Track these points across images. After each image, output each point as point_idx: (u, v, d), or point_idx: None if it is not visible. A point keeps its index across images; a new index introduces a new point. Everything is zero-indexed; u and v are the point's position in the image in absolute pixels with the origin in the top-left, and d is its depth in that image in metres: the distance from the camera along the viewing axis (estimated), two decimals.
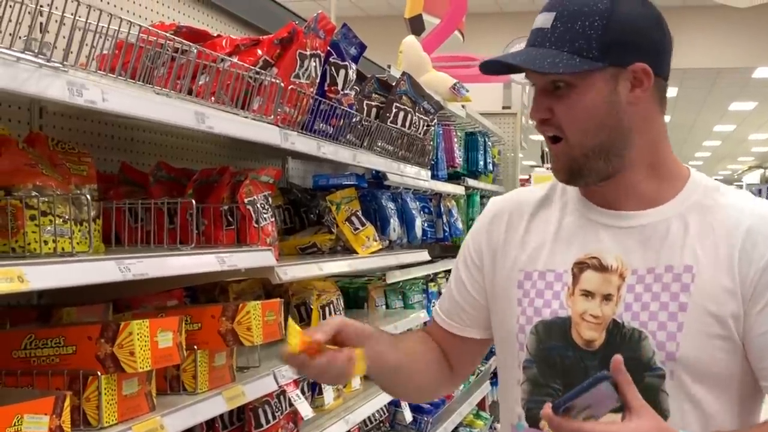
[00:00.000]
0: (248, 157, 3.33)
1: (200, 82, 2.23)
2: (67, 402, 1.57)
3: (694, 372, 1.52)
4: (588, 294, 1.60)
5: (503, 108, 7.35)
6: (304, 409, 2.70)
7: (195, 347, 2.13)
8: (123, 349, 1.79)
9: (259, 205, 2.48)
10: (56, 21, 1.60)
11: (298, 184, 3.72)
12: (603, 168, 1.57)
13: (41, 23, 1.59)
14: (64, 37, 1.64)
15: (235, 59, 2.36)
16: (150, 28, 1.96)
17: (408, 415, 4.00)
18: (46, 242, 1.68)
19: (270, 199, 2.57)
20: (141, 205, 2.18)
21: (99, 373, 1.75)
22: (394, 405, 3.91)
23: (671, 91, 18.60)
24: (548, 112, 1.56)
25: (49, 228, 1.69)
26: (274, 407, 2.60)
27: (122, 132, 2.57)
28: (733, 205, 1.59)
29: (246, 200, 2.41)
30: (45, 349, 1.78)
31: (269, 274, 2.50)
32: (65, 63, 1.57)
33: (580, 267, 1.62)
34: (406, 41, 4.66)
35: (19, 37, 1.52)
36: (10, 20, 1.54)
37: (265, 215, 2.51)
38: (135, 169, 2.46)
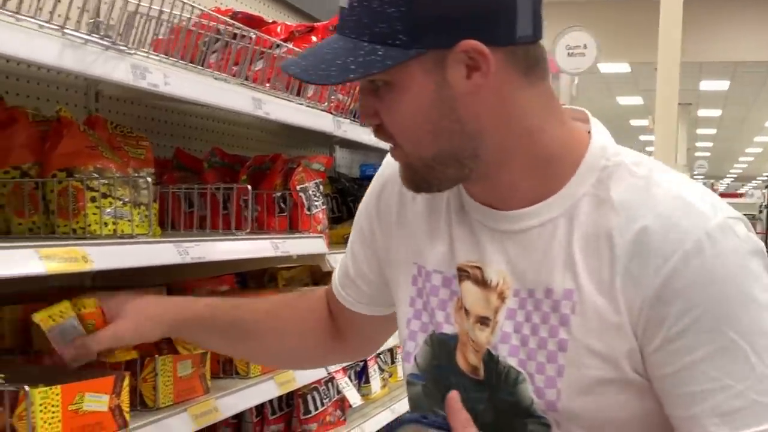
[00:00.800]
0: (297, 144, 3.37)
1: (256, 68, 2.26)
2: (126, 382, 1.60)
3: (583, 423, 1.20)
4: (467, 312, 1.28)
5: None
6: (353, 396, 2.73)
7: None
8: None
9: (310, 193, 2.50)
10: (115, 5, 1.64)
11: (345, 173, 3.75)
12: (455, 174, 1.23)
13: (107, 5, 1.62)
14: (124, 18, 1.68)
15: (290, 45, 2.39)
16: (210, 12, 2.00)
17: None
18: (106, 224, 1.72)
19: (321, 186, 2.60)
20: (197, 191, 2.22)
21: (155, 355, 1.79)
22: None
23: (723, 85, 18.37)
24: (375, 116, 1.20)
25: (109, 210, 1.73)
26: (322, 394, 2.63)
27: (176, 118, 2.62)
28: (625, 200, 1.19)
29: (298, 187, 2.44)
30: None
31: (320, 261, 2.53)
32: (130, 46, 1.60)
33: (460, 275, 1.29)
34: None
35: (77, 22, 1.55)
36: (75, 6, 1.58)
37: (316, 203, 2.53)
38: (189, 155, 2.50)
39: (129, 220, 1.74)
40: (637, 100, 20.33)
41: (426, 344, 1.32)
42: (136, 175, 1.76)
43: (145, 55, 1.75)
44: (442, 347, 1.30)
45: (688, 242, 1.13)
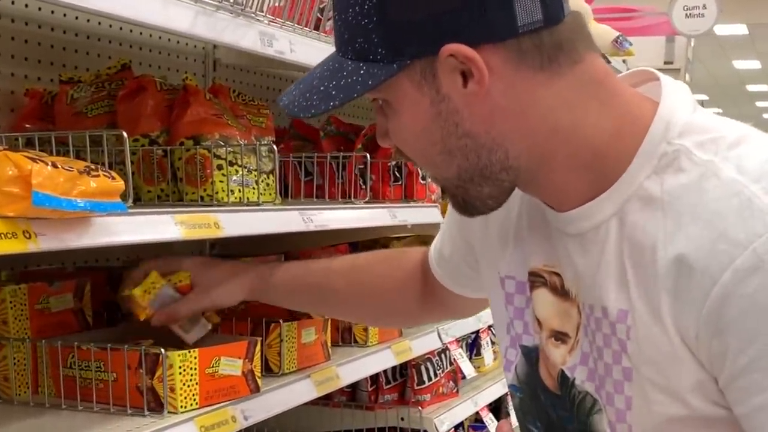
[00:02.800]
0: None
1: None
2: (258, 347, 1.67)
3: None
4: (539, 323, 1.17)
5: (665, 63, 7.15)
6: (467, 367, 2.76)
7: None
8: None
9: None
10: None
11: None
12: (494, 191, 1.10)
13: None
14: None
15: None
16: None
17: None
18: (232, 191, 1.78)
19: None
20: (315, 160, 2.27)
21: (281, 321, 1.85)
22: None
23: None
24: (387, 137, 1.14)
25: (235, 178, 1.79)
26: (435, 365, 2.67)
27: (288, 87, 2.67)
28: (674, 199, 1.01)
29: None
30: None
31: (435, 231, 2.56)
32: (258, 13, 1.65)
33: (533, 280, 1.18)
34: None
35: None
36: None
37: None
38: (305, 124, 2.55)
39: (254, 188, 1.79)
40: (754, 64, 19.64)
41: (522, 354, 1.22)
42: (261, 143, 1.81)
43: (272, 20, 1.79)
44: (528, 359, 1.20)
45: (740, 257, 0.93)
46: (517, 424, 1.28)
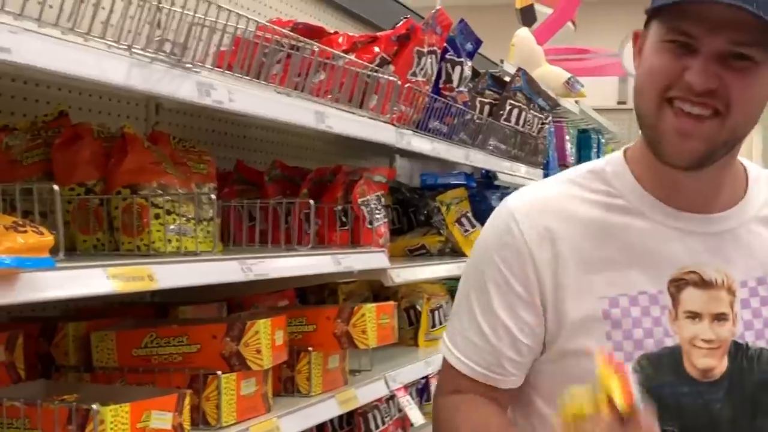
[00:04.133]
0: (357, 155, 3.40)
1: (316, 80, 2.29)
2: (188, 400, 1.65)
3: None
4: (694, 316, 1.41)
5: (618, 103, 7.27)
6: (415, 415, 2.75)
7: (310, 349, 2.20)
8: (249, 347, 1.87)
9: (372, 206, 2.53)
10: (174, 17, 1.69)
11: (405, 182, 3.77)
12: (721, 157, 1.39)
13: (171, 22, 1.67)
14: (188, 33, 1.73)
15: (352, 56, 2.43)
16: (267, 24, 2.04)
17: None
18: (170, 241, 1.77)
19: (383, 199, 2.63)
20: (258, 205, 2.27)
21: (219, 373, 1.83)
22: None
23: None
24: (717, 81, 1.30)
25: (172, 227, 1.78)
26: (383, 412, 2.66)
27: (236, 129, 2.68)
28: None
29: (360, 200, 2.47)
30: (167, 348, 1.88)
31: (382, 276, 2.56)
32: (195, 63, 1.65)
33: (677, 285, 1.42)
34: (519, 34, 4.68)
35: (138, 33, 1.60)
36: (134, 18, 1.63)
37: (378, 216, 2.56)
38: (250, 168, 2.55)
39: (193, 237, 1.78)
40: None
41: (635, 371, 1.39)
42: (200, 191, 1.81)
43: (210, 70, 1.80)
44: (663, 363, 1.41)
45: None
46: None
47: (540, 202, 1.48)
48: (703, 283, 1.41)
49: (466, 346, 1.49)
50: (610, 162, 1.52)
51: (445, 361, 1.55)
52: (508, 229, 1.45)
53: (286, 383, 2.20)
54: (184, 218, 1.79)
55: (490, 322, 1.47)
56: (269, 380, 2.02)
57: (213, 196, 1.82)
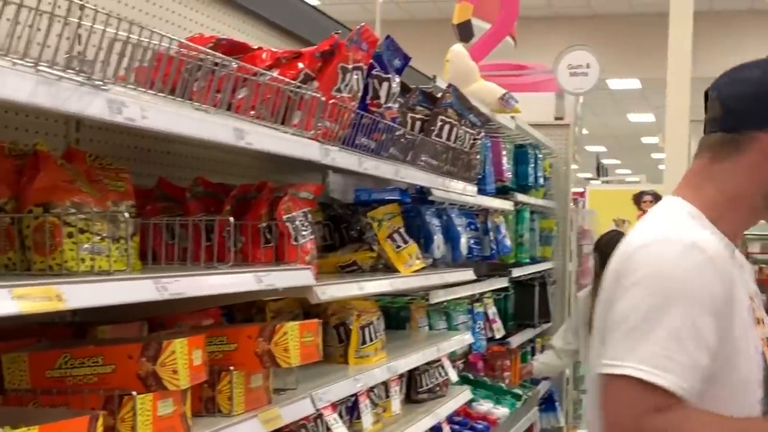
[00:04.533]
0: (288, 170, 3.40)
1: (239, 96, 2.30)
2: (101, 422, 1.63)
3: None
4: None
5: (555, 119, 7.36)
6: None
7: (231, 368, 2.19)
8: (166, 367, 1.86)
9: (298, 222, 2.54)
10: (93, 33, 1.68)
11: (339, 198, 3.77)
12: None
13: (80, 39, 1.66)
14: (102, 49, 1.72)
15: (275, 73, 2.43)
16: (187, 42, 2.04)
17: None
18: (83, 260, 1.75)
19: (310, 215, 2.63)
20: (178, 222, 2.25)
21: (134, 393, 1.82)
22: (437, 431, 3.94)
23: None
24: None
25: (86, 246, 1.76)
26: (310, 431, 2.65)
27: (160, 145, 2.66)
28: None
29: (285, 217, 2.47)
30: (81, 369, 1.85)
31: (307, 294, 2.56)
32: (106, 80, 1.64)
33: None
34: (454, 50, 4.72)
35: (48, 46, 1.59)
36: (44, 34, 1.62)
37: (304, 232, 2.56)
38: (172, 184, 2.53)
39: (107, 256, 1.77)
40: (648, 117, 20.39)
41: None
42: (115, 209, 1.80)
43: (123, 86, 1.79)
44: None
45: None
46: None
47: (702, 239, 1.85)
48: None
49: (684, 372, 1.72)
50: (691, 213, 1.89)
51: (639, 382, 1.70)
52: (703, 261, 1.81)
53: (207, 403, 2.19)
54: (98, 237, 1.78)
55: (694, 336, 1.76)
56: (188, 400, 2.00)
57: (126, 214, 1.81)
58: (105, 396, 1.80)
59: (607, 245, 5.46)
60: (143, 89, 1.83)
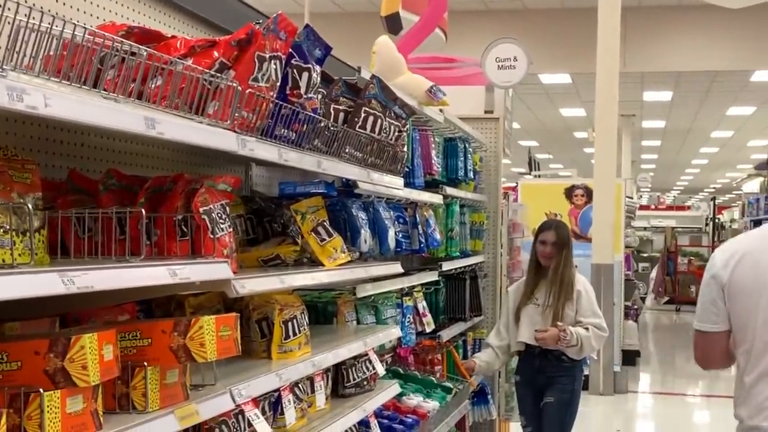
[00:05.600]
0: (208, 163, 3.37)
1: (152, 86, 2.26)
2: (3, 420, 1.60)
3: None
4: None
5: (485, 112, 7.42)
6: (263, 429, 2.73)
7: (145, 363, 2.16)
8: (75, 363, 1.83)
9: (215, 215, 2.51)
10: None
11: (263, 191, 3.75)
12: None
13: None
14: (8, 36, 1.68)
15: (189, 61, 2.40)
16: (95, 30, 2.00)
17: None
18: None
19: (228, 208, 2.61)
20: (89, 215, 2.21)
21: (41, 390, 1.78)
22: (364, 425, 3.94)
23: (665, 95, 18.81)
24: None
25: None
26: (231, 427, 2.63)
27: (70, 137, 2.60)
28: None
29: (201, 209, 2.45)
30: None
31: (225, 288, 2.54)
32: (4, 67, 1.60)
33: None
34: (380, 41, 4.72)
35: None
36: None
37: (222, 225, 2.54)
38: (84, 177, 2.49)
39: (10, 249, 1.73)
40: (579, 112, 20.68)
41: None
42: (20, 201, 1.75)
43: (27, 74, 1.75)
44: None
45: None
46: None
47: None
48: None
49: None
50: None
51: None
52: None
53: (120, 400, 2.15)
54: (1, 230, 1.73)
55: None
56: (99, 397, 1.97)
57: (30, 206, 1.77)
58: (10, 393, 1.76)
59: (559, 224, 5.65)
60: (47, 76, 1.79)
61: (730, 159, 30.06)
